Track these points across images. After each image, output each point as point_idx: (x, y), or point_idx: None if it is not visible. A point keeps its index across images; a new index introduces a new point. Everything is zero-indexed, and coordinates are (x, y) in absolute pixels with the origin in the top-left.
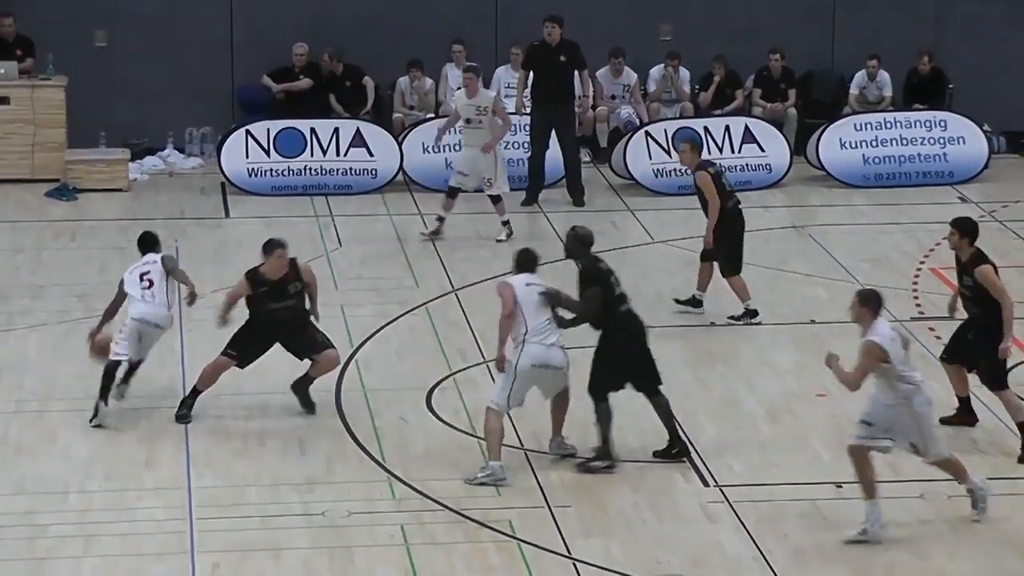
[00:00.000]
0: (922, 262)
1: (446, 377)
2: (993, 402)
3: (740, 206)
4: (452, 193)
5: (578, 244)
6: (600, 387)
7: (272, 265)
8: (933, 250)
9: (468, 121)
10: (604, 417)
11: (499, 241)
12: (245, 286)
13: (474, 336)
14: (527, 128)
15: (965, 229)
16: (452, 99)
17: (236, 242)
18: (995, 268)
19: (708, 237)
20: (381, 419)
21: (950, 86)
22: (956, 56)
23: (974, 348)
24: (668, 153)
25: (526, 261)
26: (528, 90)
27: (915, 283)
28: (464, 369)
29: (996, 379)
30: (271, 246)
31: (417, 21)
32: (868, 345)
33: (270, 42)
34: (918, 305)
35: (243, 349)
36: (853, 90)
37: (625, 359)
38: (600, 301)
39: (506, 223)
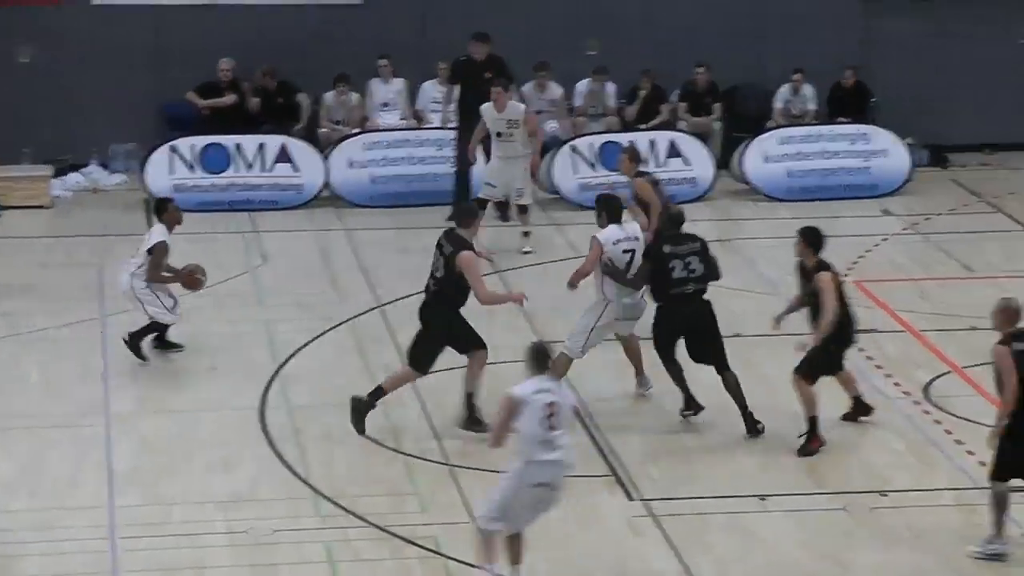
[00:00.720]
0: (846, 275)
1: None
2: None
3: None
4: (481, 204)
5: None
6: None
7: None
8: (857, 263)
9: (499, 135)
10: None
11: (525, 253)
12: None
13: (399, 352)
14: (453, 143)
15: (809, 238)
16: (482, 113)
17: None
18: (836, 280)
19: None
20: (306, 436)
21: (873, 100)
22: (879, 70)
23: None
24: (594, 167)
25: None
26: (454, 105)
27: None
28: None
29: (810, 369)
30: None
31: (343, 36)
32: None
33: (196, 58)
34: None
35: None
36: (777, 104)
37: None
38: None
39: (528, 234)
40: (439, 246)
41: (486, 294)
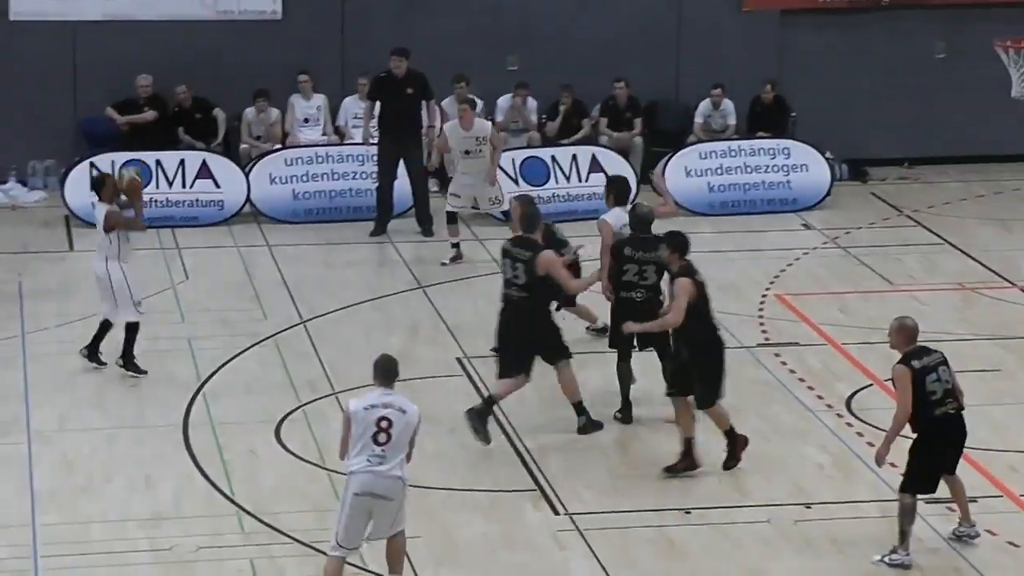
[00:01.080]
0: (767, 289)
1: (295, 409)
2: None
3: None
4: (452, 219)
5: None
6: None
7: None
8: (778, 276)
9: (467, 152)
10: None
11: (444, 263)
12: None
13: (323, 368)
14: (375, 158)
15: (674, 244)
16: (445, 131)
17: (81, 276)
18: (697, 287)
19: (601, 282)
20: (230, 452)
21: (793, 115)
22: (798, 85)
23: (688, 369)
24: (516, 182)
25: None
26: (375, 120)
27: (761, 310)
28: (313, 401)
29: (709, 398)
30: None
31: (263, 52)
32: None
33: (114, 74)
34: (764, 331)
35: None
36: (698, 119)
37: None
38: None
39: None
40: (508, 255)
41: (576, 285)
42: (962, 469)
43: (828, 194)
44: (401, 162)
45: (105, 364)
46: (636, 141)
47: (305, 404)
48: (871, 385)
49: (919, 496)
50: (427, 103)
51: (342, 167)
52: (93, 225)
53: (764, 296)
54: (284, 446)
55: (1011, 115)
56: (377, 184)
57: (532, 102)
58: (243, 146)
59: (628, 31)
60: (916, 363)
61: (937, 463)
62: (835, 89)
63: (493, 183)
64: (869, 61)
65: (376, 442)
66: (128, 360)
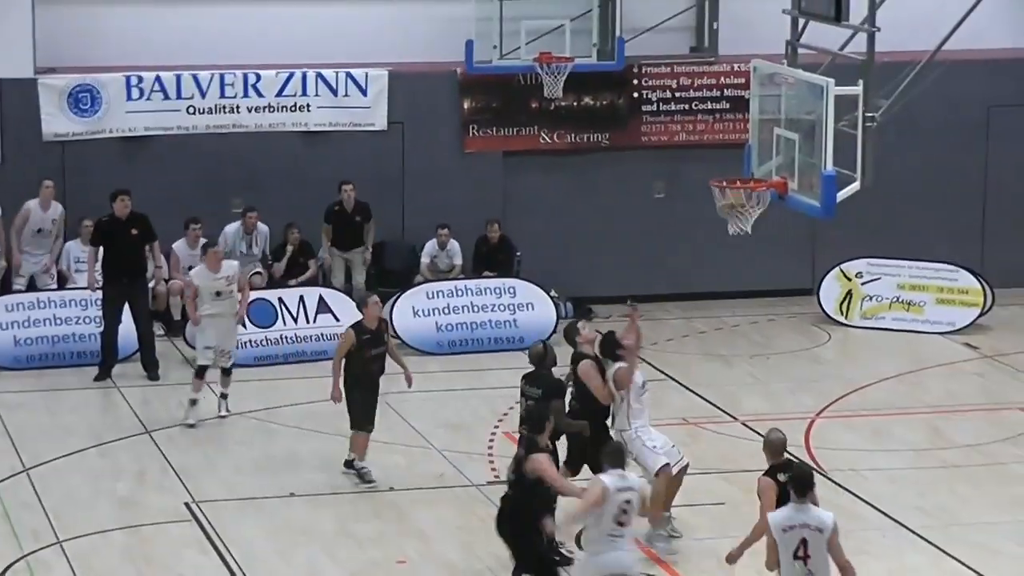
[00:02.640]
0: (496, 426)
1: (18, 559)
2: None
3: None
4: (200, 373)
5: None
6: None
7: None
8: (507, 414)
9: (218, 294)
10: None
11: (223, 416)
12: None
13: (47, 516)
14: (98, 303)
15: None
16: (188, 276)
17: None
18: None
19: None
20: None
21: (518, 254)
22: (523, 225)
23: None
24: (243, 325)
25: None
26: (99, 264)
27: (490, 447)
28: (37, 550)
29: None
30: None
31: None
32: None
33: None
34: (493, 469)
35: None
36: (424, 259)
37: None
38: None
39: (225, 396)
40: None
41: (606, 394)
42: None
43: (554, 331)
44: (127, 306)
45: None
46: (366, 256)
47: (28, 554)
48: None
49: None
50: (150, 245)
51: (65, 312)
52: None
53: (493, 433)
54: None
55: (728, 252)
56: (102, 328)
57: (264, 229)
58: None
59: (354, 169)
60: (781, 477)
61: None
62: (559, 228)
63: (240, 320)
64: (592, 201)
65: None
66: None
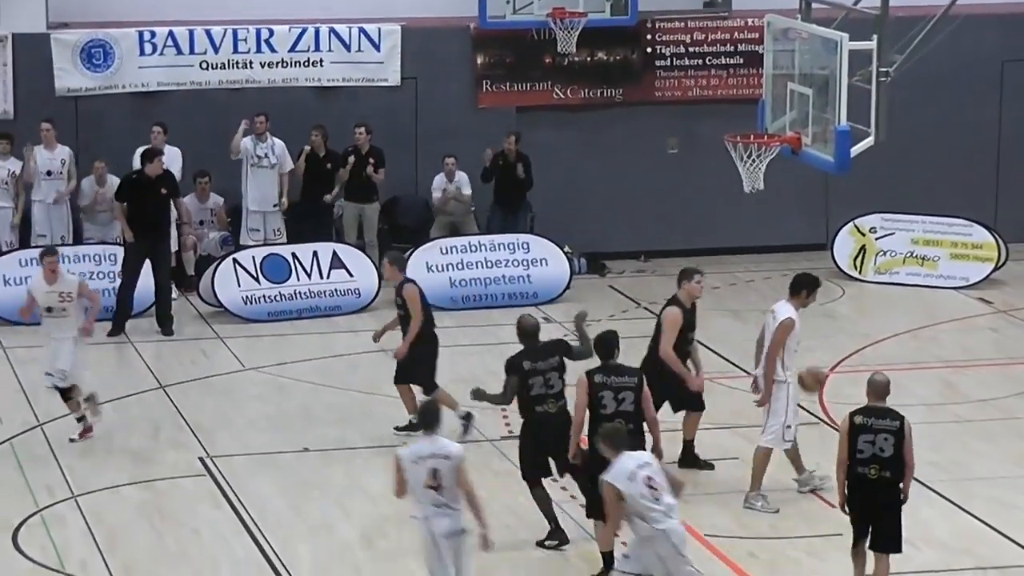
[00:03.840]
0: None
1: (33, 514)
2: None
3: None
4: (62, 395)
5: (520, 334)
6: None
7: None
8: None
9: (49, 310)
10: (542, 502)
11: (72, 441)
12: None
13: (61, 470)
14: (112, 258)
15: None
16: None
17: None
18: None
19: (402, 349)
20: None
21: (532, 212)
22: (536, 180)
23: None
24: (257, 280)
25: None
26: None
27: None
28: (51, 505)
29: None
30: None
31: None
32: (603, 484)
33: None
34: (507, 424)
35: None
36: (436, 193)
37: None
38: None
39: (82, 419)
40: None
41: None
42: (704, 559)
43: (568, 287)
44: (148, 261)
45: None
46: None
47: (43, 509)
48: None
49: None
50: (175, 201)
51: (78, 267)
52: None
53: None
54: (22, 552)
55: (741, 208)
56: (120, 283)
57: (279, 142)
58: None
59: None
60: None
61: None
62: (572, 184)
63: (87, 334)
64: (605, 156)
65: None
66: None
